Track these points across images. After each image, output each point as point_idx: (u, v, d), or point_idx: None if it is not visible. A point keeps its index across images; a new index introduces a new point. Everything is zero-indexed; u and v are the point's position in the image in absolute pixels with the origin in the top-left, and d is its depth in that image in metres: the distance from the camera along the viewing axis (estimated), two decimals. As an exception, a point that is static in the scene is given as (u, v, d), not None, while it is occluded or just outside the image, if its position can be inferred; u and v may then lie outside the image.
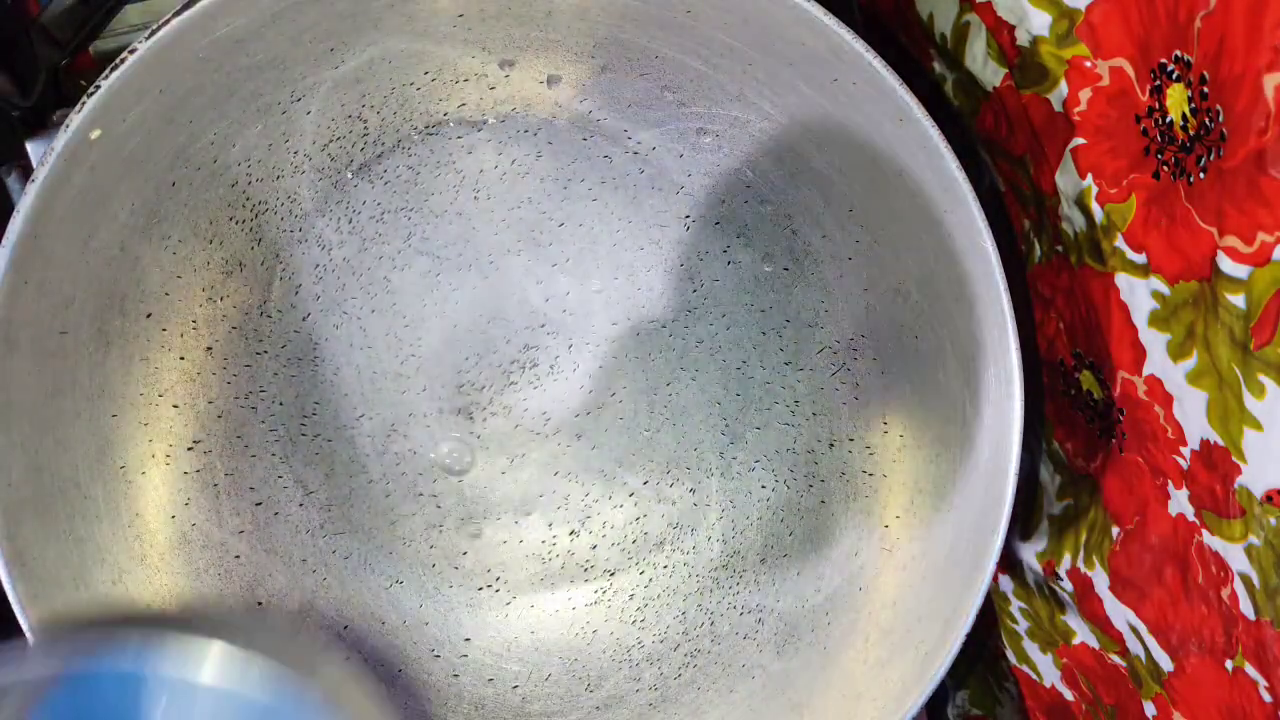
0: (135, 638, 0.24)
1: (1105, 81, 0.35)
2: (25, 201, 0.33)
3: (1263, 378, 0.32)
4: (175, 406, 0.42)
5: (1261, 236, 0.30)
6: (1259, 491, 0.33)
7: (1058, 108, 0.37)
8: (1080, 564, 0.44)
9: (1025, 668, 0.51)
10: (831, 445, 0.47)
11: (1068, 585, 0.45)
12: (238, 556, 0.43)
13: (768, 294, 0.47)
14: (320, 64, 0.39)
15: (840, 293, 0.46)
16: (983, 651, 0.55)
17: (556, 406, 0.48)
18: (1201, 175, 0.32)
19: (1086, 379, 0.41)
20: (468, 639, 0.47)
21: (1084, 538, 0.43)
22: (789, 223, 0.45)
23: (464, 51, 0.41)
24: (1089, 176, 0.37)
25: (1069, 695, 0.49)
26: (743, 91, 0.41)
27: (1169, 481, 0.38)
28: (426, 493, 0.47)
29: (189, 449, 0.42)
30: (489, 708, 0.46)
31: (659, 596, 0.48)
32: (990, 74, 0.40)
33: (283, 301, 0.44)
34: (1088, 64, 0.35)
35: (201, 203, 0.40)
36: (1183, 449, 0.37)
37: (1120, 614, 0.43)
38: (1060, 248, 0.41)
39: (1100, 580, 0.43)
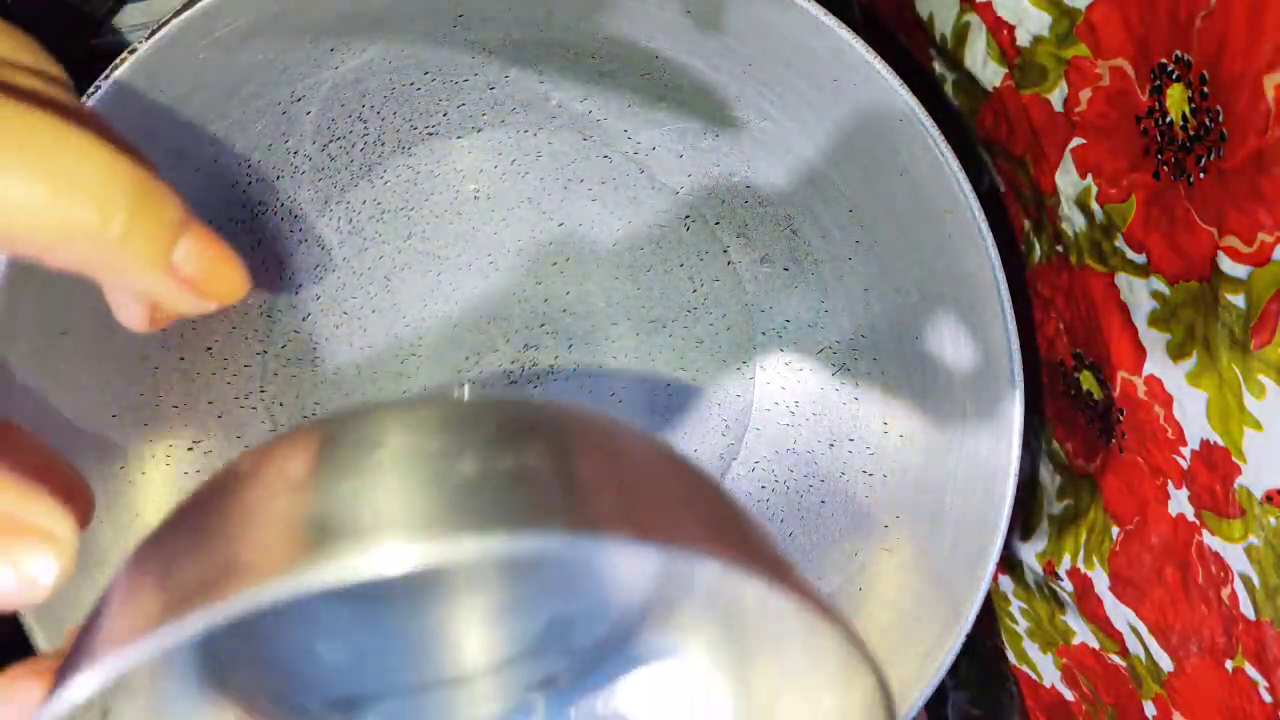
0: None
1: (1105, 81, 0.35)
2: (25, 201, 0.33)
3: (1263, 378, 0.32)
4: (175, 407, 0.42)
5: (1261, 236, 0.30)
6: (1259, 491, 0.33)
7: (1058, 108, 0.37)
8: (1080, 564, 0.44)
9: (1025, 668, 0.51)
10: (831, 445, 0.47)
11: (1068, 585, 0.45)
12: (238, 556, 0.43)
13: (768, 294, 0.47)
14: (320, 64, 0.39)
15: (840, 293, 0.46)
16: (983, 651, 0.55)
17: (556, 406, 0.48)
18: (1201, 175, 0.32)
19: (1086, 379, 0.41)
20: (468, 639, 0.47)
21: (1084, 538, 0.43)
22: (789, 223, 0.45)
23: (464, 52, 0.41)
24: (1089, 176, 0.37)
25: (1069, 695, 0.49)
26: (743, 91, 0.41)
27: (1169, 481, 0.38)
28: (426, 493, 0.47)
29: (189, 449, 0.42)
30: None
31: (659, 596, 0.48)
32: (990, 74, 0.40)
33: (283, 301, 0.44)
34: (1088, 64, 0.35)
35: (201, 202, 0.40)
36: (1183, 449, 0.37)
37: (1120, 614, 0.43)
38: (1060, 248, 0.41)
39: (1100, 580, 0.43)
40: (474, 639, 0.31)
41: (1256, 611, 0.35)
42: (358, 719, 0.29)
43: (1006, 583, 0.50)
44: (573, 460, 0.19)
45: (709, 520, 0.20)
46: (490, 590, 0.31)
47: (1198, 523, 0.37)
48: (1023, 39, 0.37)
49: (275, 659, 0.28)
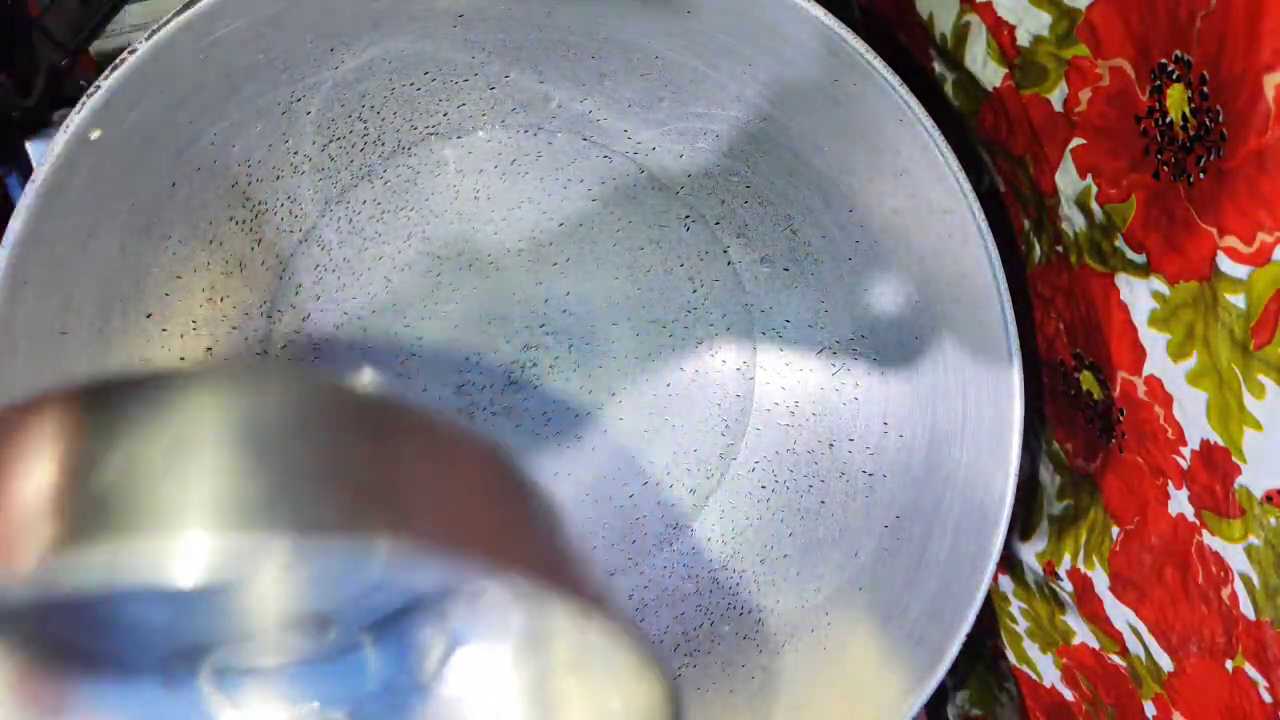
0: None
1: (1105, 81, 0.35)
2: (25, 201, 0.33)
3: (1263, 378, 0.32)
4: (175, 407, 0.42)
5: (1261, 236, 0.30)
6: (1259, 491, 0.33)
7: (1058, 108, 0.37)
8: (1080, 564, 0.44)
9: (1025, 668, 0.51)
10: (831, 445, 0.47)
11: (1068, 585, 0.45)
12: (237, 557, 0.43)
13: (768, 294, 0.47)
14: (320, 64, 0.39)
15: (840, 293, 0.46)
16: (983, 651, 0.55)
17: (556, 407, 0.48)
18: (1201, 175, 0.32)
19: (1086, 379, 0.41)
20: (468, 639, 0.47)
21: (1084, 538, 0.43)
22: (789, 223, 0.45)
23: (464, 52, 0.41)
24: (1089, 176, 0.37)
25: (1069, 695, 0.49)
26: (743, 91, 0.41)
27: (1169, 481, 0.38)
28: (426, 493, 0.47)
29: (189, 449, 0.42)
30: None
31: (658, 597, 0.48)
32: (990, 74, 0.40)
33: (283, 301, 0.44)
34: (1088, 64, 0.35)
35: (201, 203, 0.40)
36: (1183, 449, 0.37)
37: (1120, 614, 0.43)
38: (1060, 248, 0.41)
39: (1100, 580, 0.43)
40: (282, 590, 0.30)
41: (1256, 611, 0.35)
42: (199, 668, 0.29)
43: (1006, 583, 0.50)
44: (394, 461, 0.19)
45: (518, 534, 0.20)
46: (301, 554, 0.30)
47: (1198, 523, 0.37)
48: (1023, 39, 0.37)
49: (96, 621, 0.28)
